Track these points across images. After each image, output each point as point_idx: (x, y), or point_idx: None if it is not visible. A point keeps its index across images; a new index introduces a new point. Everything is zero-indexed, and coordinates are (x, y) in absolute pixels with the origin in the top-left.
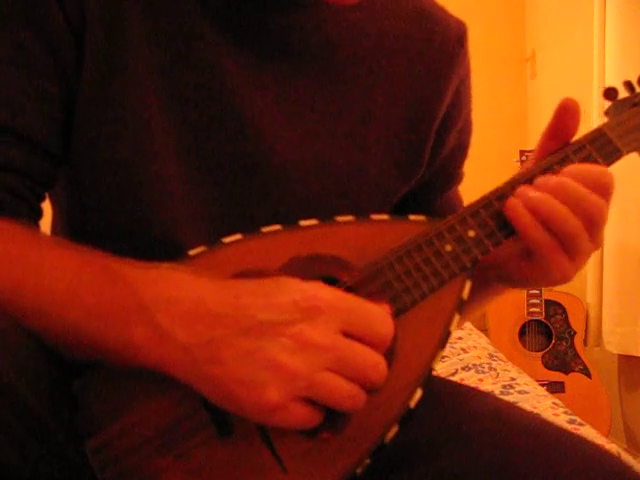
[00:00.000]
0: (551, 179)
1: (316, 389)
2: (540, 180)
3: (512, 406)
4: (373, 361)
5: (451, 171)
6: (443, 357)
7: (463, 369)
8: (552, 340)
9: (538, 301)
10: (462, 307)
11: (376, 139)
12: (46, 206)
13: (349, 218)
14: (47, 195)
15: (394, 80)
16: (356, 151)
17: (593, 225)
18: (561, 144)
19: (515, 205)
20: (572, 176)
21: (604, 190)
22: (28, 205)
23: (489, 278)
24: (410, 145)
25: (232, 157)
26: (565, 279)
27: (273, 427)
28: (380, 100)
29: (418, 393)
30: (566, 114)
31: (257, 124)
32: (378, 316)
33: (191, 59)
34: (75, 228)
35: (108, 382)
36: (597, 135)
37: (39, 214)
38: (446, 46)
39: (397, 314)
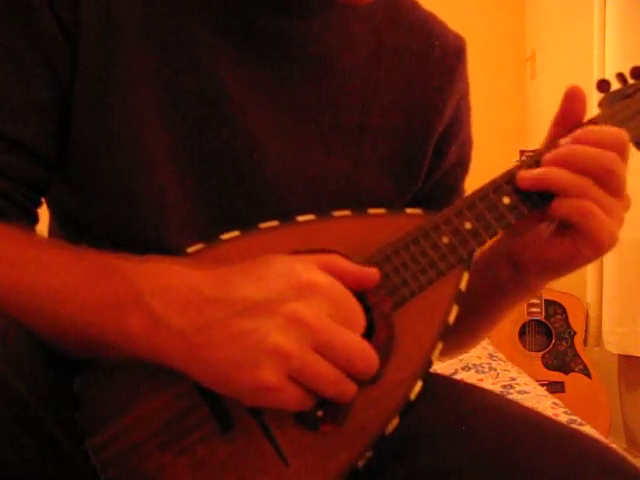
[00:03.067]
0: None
1: (307, 370)
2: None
3: (511, 401)
4: (362, 350)
5: (451, 187)
6: None
7: (463, 369)
8: (552, 340)
9: (538, 301)
10: (460, 298)
11: (371, 151)
12: (43, 210)
13: (346, 213)
14: (43, 199)
15: (391, 93)
16: (350, 162)
17: (612, 176)
18: (568, 130)
19: (528, 171)
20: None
21: (612, 146)
22: (23, 210)
23: (529, 277)
24: (406, 158)
25: (224, 163)
26: (611, 238)
27: (272, 418)
28: (376, 112)
29: (418, 385)
30: (573, 101)
31: (251, 132)
32: (356, 309)
33: (187, 64)
34: (71, 232)
35: (108, 380)
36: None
37: (35, 219)
38: (445, 60)
39: (395, 306)
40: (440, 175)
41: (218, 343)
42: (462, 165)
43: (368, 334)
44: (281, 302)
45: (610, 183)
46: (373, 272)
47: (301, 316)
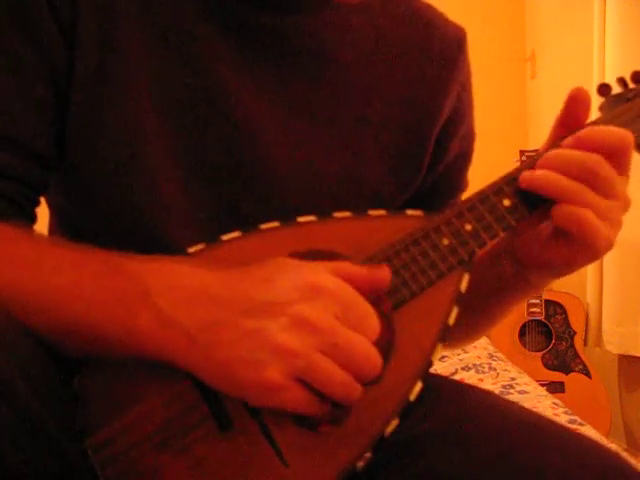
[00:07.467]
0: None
1: (313, 370)
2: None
3: (511, 403)
4: (367, 352)
5: (455, 179)
6: (443, 357)
7: (463, 369)
8: (552, 340)
9: (538, 301)
10: (461, 300)
11: (372, 145)
12: (43, 208)
13: (346, 214)
14: (43, 198)
15: (391, 85)
16: (351, 156)
17: (597, 177)
18: (570, 131)
19: (530, 172)
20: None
21: (605, 148)
22: (21, 210)
23: (530, 275)
24: (407, 151)
25: (225, 160)
26: (607, 243)
27: (271, 418)
28: (376, 105)
29: (418, 386)
30: (576, 103)
31: (251, 127)
32: (370, 313)
33: (186, 61)
34: (71, 230)
35: (108, 379)
36: None
37: (33, 219)
38: (445, 51)
39: (395, 307)
40: (443, 168)
41: (224, 342)
42: (464, 157)
43: None
44: (287, 303)
45: (600, 186)
46: (384, 272)
47: (307, 317)
